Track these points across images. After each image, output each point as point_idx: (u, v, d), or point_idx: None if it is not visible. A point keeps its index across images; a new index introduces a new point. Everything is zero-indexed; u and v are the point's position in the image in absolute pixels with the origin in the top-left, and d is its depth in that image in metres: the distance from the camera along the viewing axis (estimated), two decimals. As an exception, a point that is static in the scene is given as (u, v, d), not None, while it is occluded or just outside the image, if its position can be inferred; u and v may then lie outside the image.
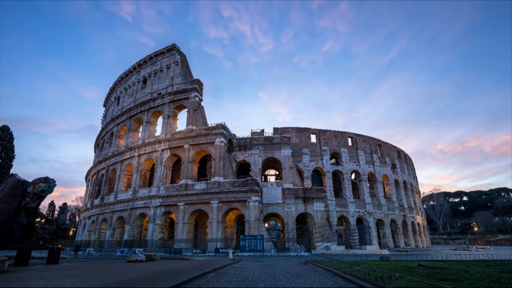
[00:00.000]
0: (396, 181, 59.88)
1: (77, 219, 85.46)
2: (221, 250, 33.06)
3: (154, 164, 45.56)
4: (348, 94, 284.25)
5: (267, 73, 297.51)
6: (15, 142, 57.30)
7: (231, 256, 26.62)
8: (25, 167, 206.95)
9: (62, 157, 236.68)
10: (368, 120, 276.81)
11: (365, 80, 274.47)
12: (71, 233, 78.59)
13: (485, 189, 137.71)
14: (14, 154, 57.99)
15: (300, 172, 50.08)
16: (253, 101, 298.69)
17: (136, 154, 46.23)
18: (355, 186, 56.73)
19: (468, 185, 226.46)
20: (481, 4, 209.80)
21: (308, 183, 48.52)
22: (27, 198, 19.31)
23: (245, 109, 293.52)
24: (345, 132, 56.37)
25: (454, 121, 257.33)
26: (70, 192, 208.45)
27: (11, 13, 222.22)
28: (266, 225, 60.65)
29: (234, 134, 47.62)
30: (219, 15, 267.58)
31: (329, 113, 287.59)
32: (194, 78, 49.19)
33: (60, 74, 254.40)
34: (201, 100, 46.29)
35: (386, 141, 62.88)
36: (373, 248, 38.00)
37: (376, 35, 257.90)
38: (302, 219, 45.87)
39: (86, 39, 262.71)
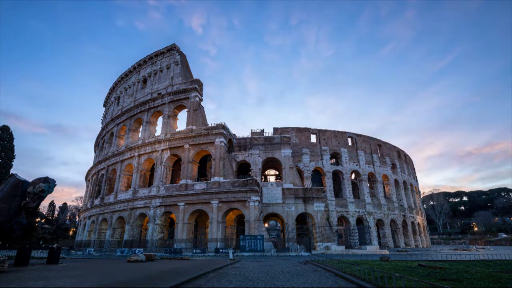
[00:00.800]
0: (396, 181, 59.88)
1: (77, 219, 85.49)
2: (221, 250, 33.06)
3: (154, 164, 45.56)
4: (392, 99, 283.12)
5: (319, 78, 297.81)
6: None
7: (231, 256, 26.62)
8: (53, 170, 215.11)
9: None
10: (404, 124, 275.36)
11: (412, 85, 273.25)
12: (71, 233, 78.64)
13: (490, 188, 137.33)
14: (14, 154, 57.97)
15: (300, 172, 50.07)
16: (298, 106, 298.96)
17: (136, 154, 46.23)
18: (355, 186, 56.72)
19: (482, 186, 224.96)
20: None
21: (308, 183, 48.51)
22: (27, 198, 19.35)
23: (285, 113, 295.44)
24: (345, 132, 56.37)
25: (487, 124, 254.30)
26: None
27: (85, 24, 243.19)
28: (266, 225, 60.67)
29: (234, 134, 47.64)
30: (287, 22, 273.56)
31: (368, 117, 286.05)
32: (196, 78, 49.19)
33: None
34: (201, 100, 46.29)
35: (387, 141, 62.93)
36: (373, 248, 38.01)
37: (436, 40, 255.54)
38: (302, 219, 45.87)
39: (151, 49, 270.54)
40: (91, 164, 62.72)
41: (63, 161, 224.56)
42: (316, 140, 53.86)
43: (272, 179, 57.65)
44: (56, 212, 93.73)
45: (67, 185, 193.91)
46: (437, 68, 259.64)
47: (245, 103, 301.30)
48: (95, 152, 67.48)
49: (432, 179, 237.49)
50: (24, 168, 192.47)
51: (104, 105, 72.45)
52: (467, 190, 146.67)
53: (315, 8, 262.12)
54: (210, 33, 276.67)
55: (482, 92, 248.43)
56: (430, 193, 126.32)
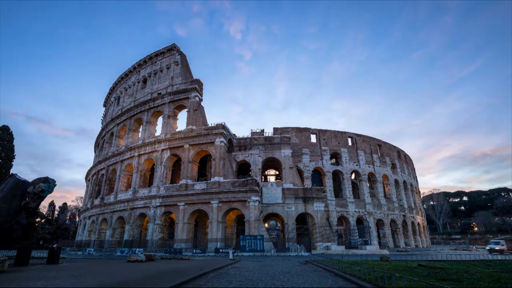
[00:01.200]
0: (396, 181, 59.88)
1: (77, 219, 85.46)
2: (221, 250, 33.06)
3: (154, 164, 45.56)
4: (414, 104, 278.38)
5: (347, 82, 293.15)
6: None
7: (231, 256, 26.62)
8: (68, 171, 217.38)
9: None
10: (423, 127, 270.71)
11: (436, 90, 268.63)
12: (71, 233, 78.59)
13: (486, 188, 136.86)
14: (14, 154, 57.94)
15: (300, 172, 50.07)
16: (321, 110, 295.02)
17: (136, 154, 46.22)
18: (355, 186, 56.73)
19: (490, 186, 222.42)
20: None
21: (308, 183, 48.51)
22: (27, 198, 19.38)
23: (307, 117, 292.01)
24: (345, 132, 56.38)
25: (505, 125, 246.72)
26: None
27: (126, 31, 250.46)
28: (266, 225, 60.60)
29: (234, 134, 47.65)
30: (326, 26, 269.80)
31: (388, 121, 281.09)
32: (196, 78, 49.20)
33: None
34: (201, 100, 46.30)
35: (387, 141, 62.93)
36: (373, 248, 38.02)
37: (468, 44, 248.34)
38: (302, 219, 45.85)
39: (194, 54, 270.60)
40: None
41: (79, 163, 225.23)
42: (316, 140, 53.87)
43: (272, 179, 57.65)
44: (56, 212, 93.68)
45: (79, 187, 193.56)
46: (464, 74, 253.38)
47: (272, 106, 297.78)
48: (95, 152, 67.49)
49: (442, 180, 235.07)
50: (41, 170, 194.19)
51: (104, 105, 72.49)
52: (468, 190, 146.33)
53: (355, 11, 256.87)
54: (247, 39, 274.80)
55: (502, 93, 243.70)
56: (430, 193, 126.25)
